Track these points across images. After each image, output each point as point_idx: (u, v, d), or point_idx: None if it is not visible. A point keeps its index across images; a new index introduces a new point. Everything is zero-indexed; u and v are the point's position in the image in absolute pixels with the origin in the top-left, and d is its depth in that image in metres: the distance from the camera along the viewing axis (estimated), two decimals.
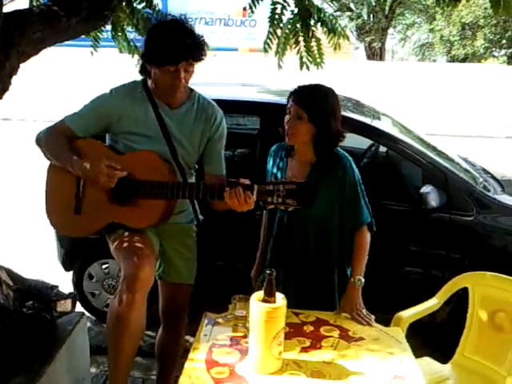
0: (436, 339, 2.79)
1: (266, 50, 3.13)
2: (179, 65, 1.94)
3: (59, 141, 2.05)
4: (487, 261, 2.89)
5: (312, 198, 1.76)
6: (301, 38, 3.06)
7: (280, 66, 3.17)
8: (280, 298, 1.56)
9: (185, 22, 2.00)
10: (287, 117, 2.06)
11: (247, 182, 1.86)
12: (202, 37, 2.01)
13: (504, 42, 19.50)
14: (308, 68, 3.12)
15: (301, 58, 3.10)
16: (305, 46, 3.08)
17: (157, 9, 3.12)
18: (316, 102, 2.02)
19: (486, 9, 16.54)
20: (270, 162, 2.25)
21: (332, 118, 2.03)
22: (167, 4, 13.71)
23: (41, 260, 4.11)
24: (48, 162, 2.16)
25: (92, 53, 3.30)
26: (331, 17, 3.22)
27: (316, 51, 3.12)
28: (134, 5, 3.05)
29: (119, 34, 3.23)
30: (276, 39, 3.09)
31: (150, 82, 2.09)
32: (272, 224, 2.19)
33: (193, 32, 1.99)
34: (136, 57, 3.24)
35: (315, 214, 2.03)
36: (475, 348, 2.19)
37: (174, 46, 1.92)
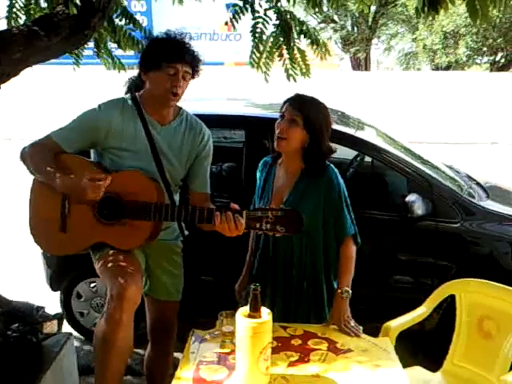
0: (426, 347, 2.79)
1: (252, 65, 3.15)
2: (179, 66, 1.96)
3: (44, 156, 2.01)
4: (474, 267, 2.90)
5: (300, 225, 1.77)
6: (284, 51, 3.09)
7: (266, 80, 3.19)
8: (265, 313, 1.56)
9: (184, 37, 2.06)
10: (279, 122, 2.05)
11: (236, 206, 1.85)
12: (198, 52, 2.07)
13: (485, 49, 19.79)
14: (295, 79, 3.14)
15: (286, 70, 3.12)
16: (289, 59, 3.10)
17: (141, 25, 3.14)
18: (313, 110, 2.05)
19: (466, 18, 16.79)
20: (258, 176, 2.25)
21: (325, 130, 2.05)
22: (152, 19, 13.78)
23: (28, 280, 4.06)
24: (32, 180, 2.12)
25: (74, 68, 3.30)
26: (313, 29, 3.26)
27: (301, 62, 3.15)
28: (116, 22, 3.07)
29: (102, 50, 3.24)
30: (260, 53, 3.12)
31: (140, 97, 2.09)
32: (258, 238, 2.19)
33: (191, 45, 2.06)
34: (124, 76, 3.24)
35: None
36: (464, 355, 2.20)
37: (175, 46, 1.99)
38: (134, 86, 2.20)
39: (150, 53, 2.04)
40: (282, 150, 2.09)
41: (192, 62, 2.02)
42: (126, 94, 2.20)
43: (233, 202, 1.88)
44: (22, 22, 2.64)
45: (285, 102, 2.08)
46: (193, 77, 2.06)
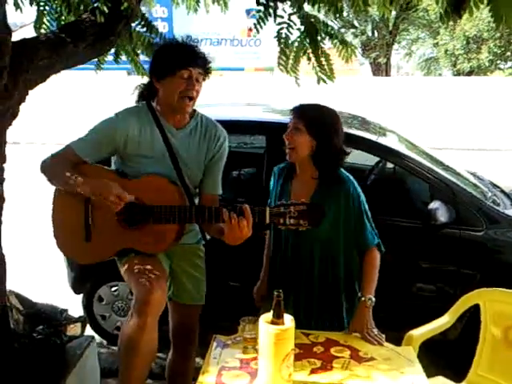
0: (449, 357, 2.75)
1: (281, 70, 3.15)
2: (192, 69, 1.99)
3: (65, 167, 2.02)
4: (499, 276, 2.85)
5: (321, 218, 1.78)
6: (311, 55, 3.08)
7: (298, 84, 3.17)
8: (288, 320, 1.55)
9: (191, 40, 2.10)
10: (285, 133, 2.07)
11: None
12: (208, 54, 2.09)
13: (508, 54, 19.50)
14: (325, 81, 3.12)
15: (316, 73, 3.11)
16: (316, 61, 3.09)
17: (158, 31, 3.15)
18: (313, 114, 2.05)
19: (489, 22, 16.60)
20: (272, 183, 2.25)
21: (332, 132, 2.03)
22: (173, 25, 13.93)
23: (51, 283, 4.12)
24: (54, 192, 2.14)
25: (97, 72, 3.32)
26: (338, 31, 3.23)
27: (326, 66, 3.14)
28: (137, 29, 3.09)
29: (130, 57, 3.25)
30: (287, 58, 3.10)
31: (155, 103, 2.11)
32: (278, 244, 2.18)
33: (199, 47, 2.09)
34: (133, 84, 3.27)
35: (320, 236, 2.03)
36: (489, 366, 2.16)
37: (186, 51, 2.02)
38: (146, 92, 2.21)
39: (162, 60, 2.06)
40: (293, 160, 2.09)
41: (203, 64, 2.05)
42: (138, 101, 2.21)
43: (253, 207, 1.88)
44: (51, 28, 2.68)
45: (290, 113, 2.10)
46: (204, 78, 2.09)
